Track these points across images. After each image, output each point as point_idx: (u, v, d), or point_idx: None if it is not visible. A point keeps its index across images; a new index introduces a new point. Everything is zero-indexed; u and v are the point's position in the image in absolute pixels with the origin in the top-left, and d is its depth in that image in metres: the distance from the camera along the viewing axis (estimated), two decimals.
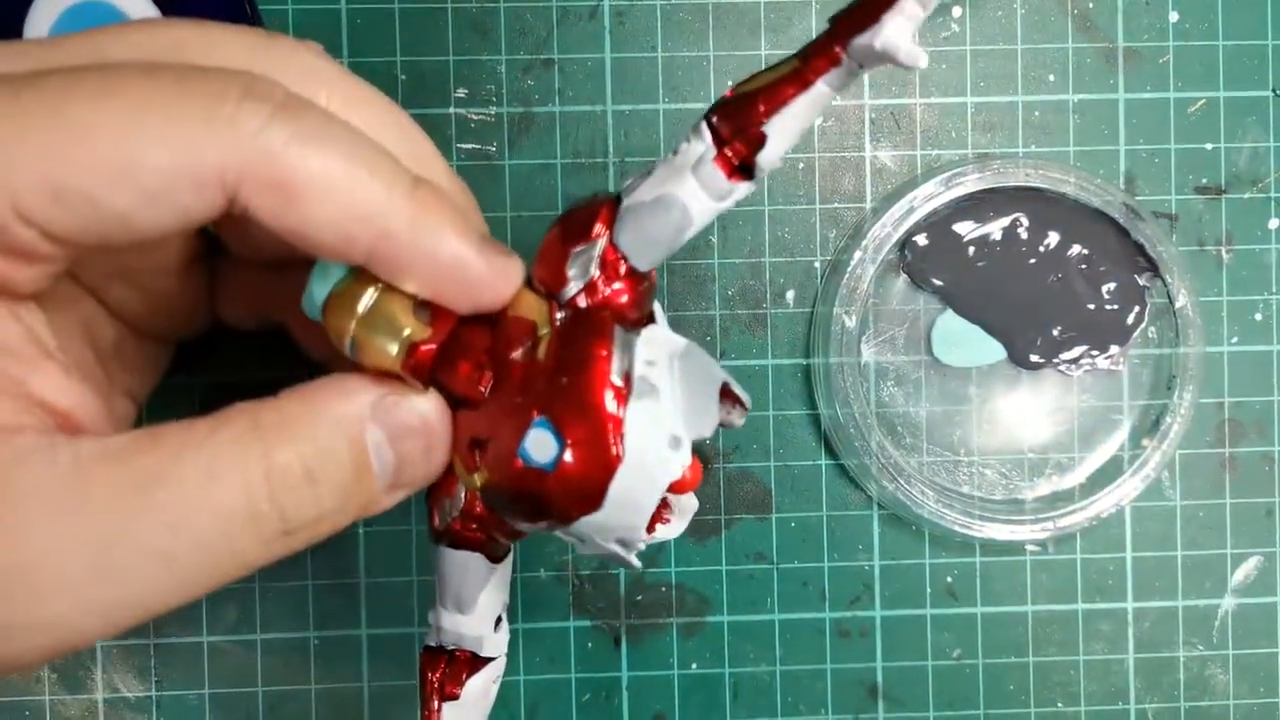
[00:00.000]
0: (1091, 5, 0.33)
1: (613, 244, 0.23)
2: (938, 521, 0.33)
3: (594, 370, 0.22)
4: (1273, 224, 0.34)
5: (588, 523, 0.22)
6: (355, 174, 0.20)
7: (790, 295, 0.33)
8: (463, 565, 0.25)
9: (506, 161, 0.33)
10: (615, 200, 0.23)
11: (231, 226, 0.26)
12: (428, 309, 0.22)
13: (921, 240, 0.33)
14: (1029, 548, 0.34)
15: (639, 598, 0.33)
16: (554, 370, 0.22)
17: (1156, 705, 0.34)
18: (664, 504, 0.24)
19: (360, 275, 0.22)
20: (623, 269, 0.23)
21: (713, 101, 0.23)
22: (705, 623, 0.34)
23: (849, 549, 0.34)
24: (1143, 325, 0.33)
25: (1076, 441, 0.34)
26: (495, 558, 0.25)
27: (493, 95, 0.33)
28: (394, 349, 0.22)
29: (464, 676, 0.25)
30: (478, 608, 0.25)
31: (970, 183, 0.32)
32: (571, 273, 0.23)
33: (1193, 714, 0.34)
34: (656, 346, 0.23)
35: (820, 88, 0.22)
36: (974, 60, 0.33)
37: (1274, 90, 0.34)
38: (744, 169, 0.23)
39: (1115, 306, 0.33)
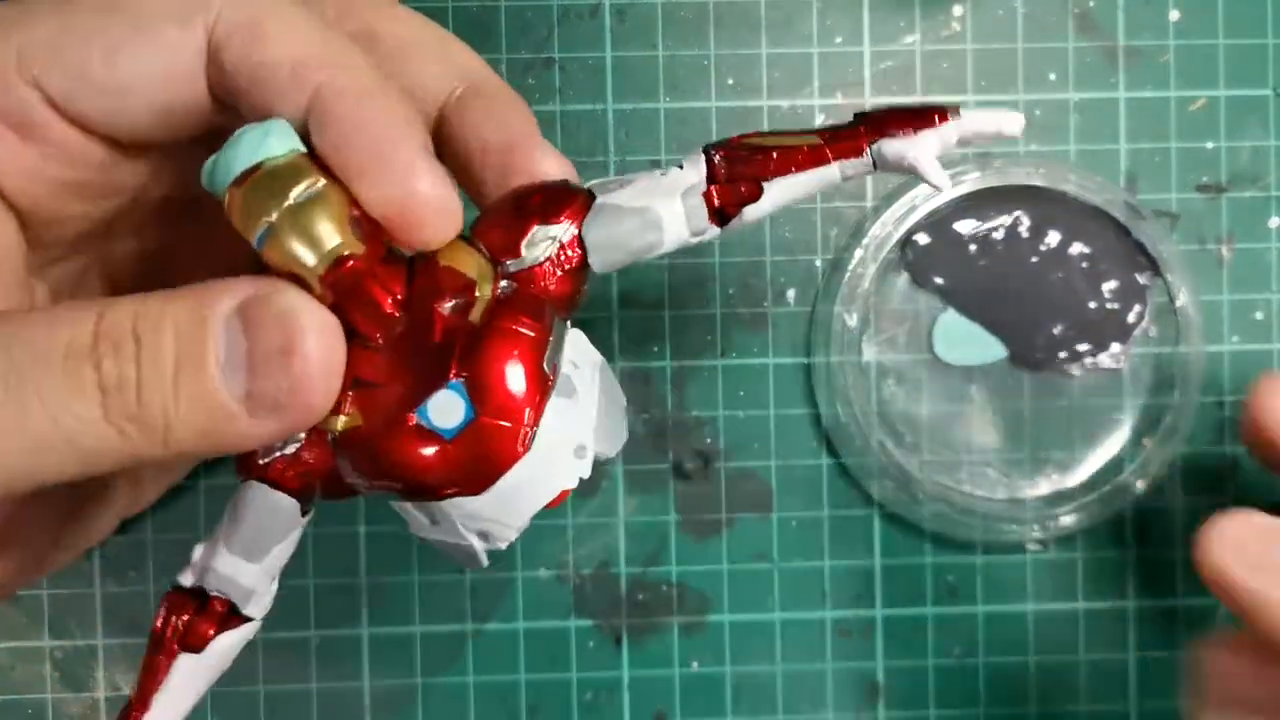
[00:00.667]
0: (1092, 4, 0.33)
1: (580, 235, 0.22)
2: (938, 520, 0.33)
3: (530, 348, 0.21)
4: (1273, 223, 0.34)
5: (459, 505, 0.21)
6: (320, 29, 0.21)
7: (791, 294, 0.33)
8: (273, 509, 0.22)
9: None
10: (590, 195, 0.23)
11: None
12: (360, 230, 0.20)
13: (922, 239, 0.33)
14: (1029, 547, 0.34)
15: (640, 597, 0.33)
16: (486, 338, 0.21)
17: (1157, 704, 0.34)
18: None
19: (304, 161, 0.20)
20: (574, 262, 0.22)
21: (715, 137, 0.23)
22: (706, 622, 0.34)
23: (850, 548, 0.34)
24: (1144, 324, 0.33)
25: (1077, 441, 0.34)
26: (305, 511, 0.22)
27: None
28: (323, 248, 0.20)
29: (213, 629, 0.22)
30: (268, 559, 0.22)
31: (971, 182, 0.32)
32: (527, 250, 0.22)
33: None
34: (580, 351, 0.23)
35: (832, 170, 0.22)
36: (975, 59, 0.33)
37: (1274, 89, 0.34)
38: (723, 214, 0.23)
39: (1116, 305, 0.33)
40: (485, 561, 0.22)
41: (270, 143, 0.20)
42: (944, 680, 0.34)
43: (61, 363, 0.19)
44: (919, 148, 0.22)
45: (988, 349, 0.33)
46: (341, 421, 0.21)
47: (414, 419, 0.20)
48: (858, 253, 0.32)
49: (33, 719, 0.33)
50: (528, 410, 0.20)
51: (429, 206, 0.20)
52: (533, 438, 0.20)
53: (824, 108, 0.33)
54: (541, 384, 0.21)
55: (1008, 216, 0.33)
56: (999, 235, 0.33)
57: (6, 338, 0.19)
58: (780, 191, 0.22)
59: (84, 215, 0.24)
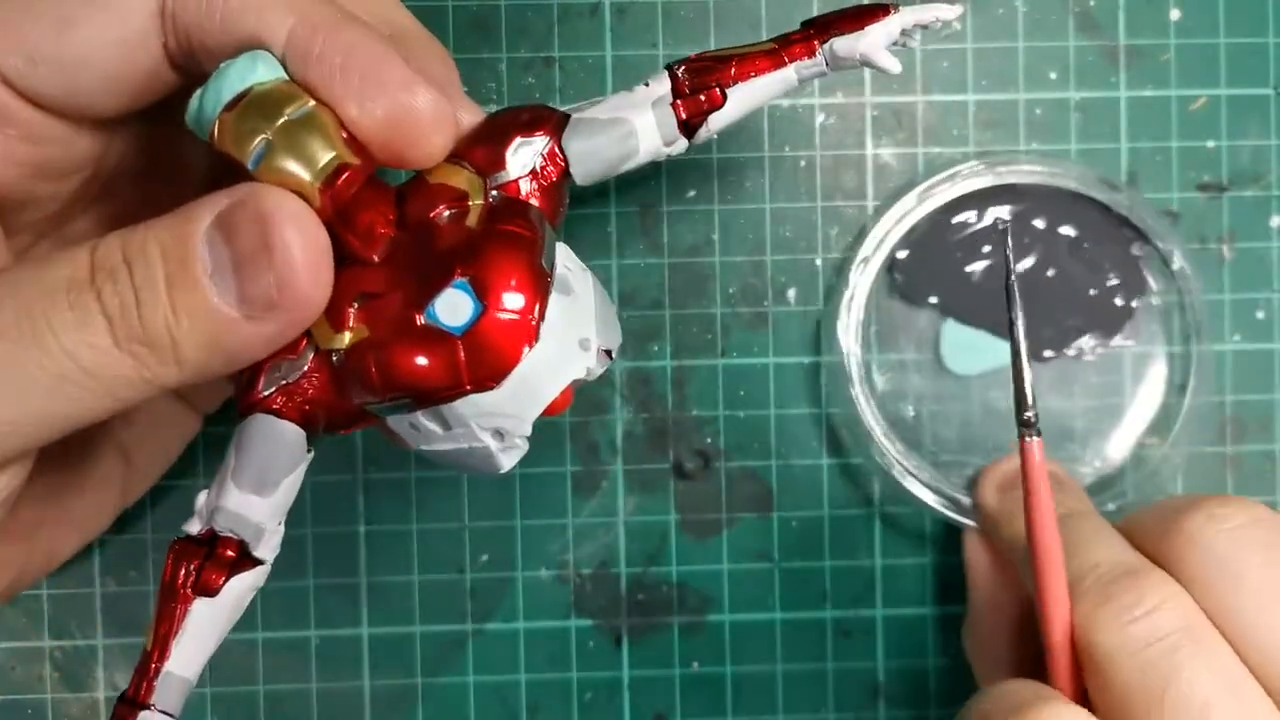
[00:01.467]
0: (1093, 3, 0.33)
1: (559, 146, 0.23)
2: (940, 520, 0.33)
3: (528, 247, 0.21)
4: (1274, 222, 0.34)
5: (475, 402, 0.21)
6: None
7: (792, 293, 0.33)
8: (279, 439, 0.22)
9: None
10: (564, 115, 0.24)
11: None
12: (353, 146, 0.21)
13: (905, 258, 0.33)
14: None
15: (640, 597, 0.33)
16: (485, 239, 0.21)
17: None
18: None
19: (291, 85, 0.21)
20: (556, 175, 0.23)
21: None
22: (706, 622, 0.33)
23: (851, 548, 0.34)
24: (1147, 292, 0.33)
25: (1078, 440, 0.34)
26: (309, 446, 0.23)
27: (494, 93, 0.33)
28: (318, 161, 0.20)
29: (225, 573, 0.22)
30: (277, 493, 0.22)
31: (942, 193, 0.32)
32: (511, 160, 0.23)
33: None
34: (570, 258, 0.23)
35: (789, 72, 0.24)
36: (975, 58, 0.33)
37: (1275, 88, 0.34)
38: (689, 126, 0.24)
39: (1115, 282, 0.33)
40: (503, 464, 0.22)
41: (259, 68, 0.20)
42: (945, 681, 0.34)
43: (66, 296, 0.19)
44: (866, 40, 0.24)
45: (996, 352, 0.33)
46: (347, 338, 0.21)
47: (422, 319, 0.20)
48: (860, 252, 0.32)
49: (33, 719, 0.33)
50: (535, 303, 0.21)
51: (428, 119, 0.21)
52: (539, 328, 0.21)
53: (824, 107, 0.33)
54: (542, 279, 0.21)
55: (987, 219, 0.33)
56: (983, 240, 0.33)
57: (11, 284, 0.20)
58: (742, 97, 0.24)
59: (52, 195, 0.24)
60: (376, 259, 0.21)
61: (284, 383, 0.22)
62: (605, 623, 0.33)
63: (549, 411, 0.22)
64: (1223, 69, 0.34)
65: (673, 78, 0.24)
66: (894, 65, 0.24)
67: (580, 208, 0.33)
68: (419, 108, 0.21)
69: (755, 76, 0.24)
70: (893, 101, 0.33)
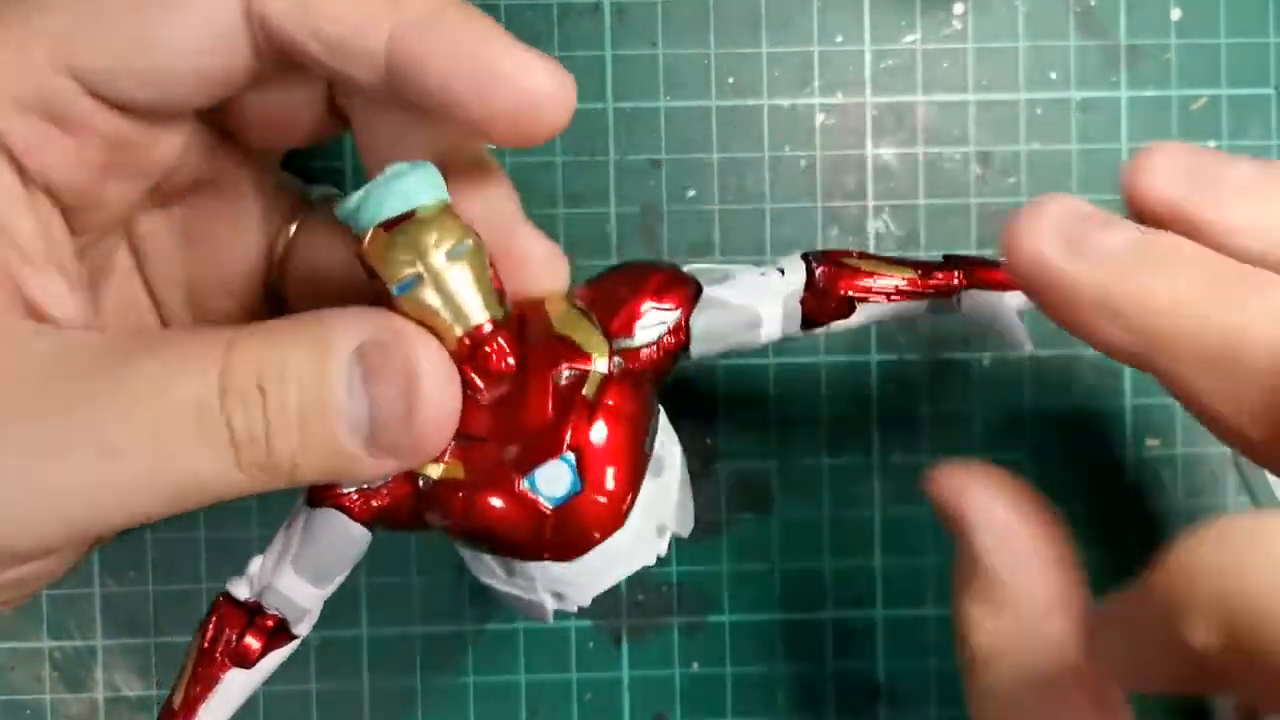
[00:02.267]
0: (1094, 3, 0.33)
1: (686, 322, 0.23)
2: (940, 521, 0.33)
3: (637, 431, 0.21)
4: None
5: (546, 567, 0.21)
6: None
7: None
8: (345, 537, 0.22)
9: (508, 159, 0.32)
10: (697, 285, 0.23)
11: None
12: (498, 295, 0.21)
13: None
14: None
15: (639, 597, 0.33)
16: (600, 415, 0.21)
17: (1158, 702, 0.34)
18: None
19: (452, 214, 0.20)
20: (676, 346, 0.23)
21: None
22: (706, 622, 0.33)
23: (851, 548, 0.34)
24: None
25: (1079, 439, 0.34)
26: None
27: None
28: (468, 318, 0.20)
29: (262, 646, 0.23)
30: (331, 586, 0.23)
31: None
32: (640, 328, 0.22)
33: (1195, 712, 0.34)
34: (667, 430, 0.23)
35: (920, 301, 0.24)
36: (976, 58, 0.33)
37: (1276, 88, 0.34)
38: (811, 321, 0.24)
39: None
40: (551, 620, 0.22)
41: (424, 191, 0.20)
42: (945, 682, 0.34)
43: (195, 421, 0.19)
44: (1005, 304, 0.23)
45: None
46: (440, 470, 0.21)
47: (521, 483, 0.21)
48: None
49: (31, 719, 0.33)
50: (630, 492, 0.21)
51: (554, 99, 0.21)
52: (629, 514, 0.21)
53: (824, 106, 0.33)
54: (643, 464, 0.21)
55: None
56: None
57: (137, 390, 0.19)
58: (868, 313, 0.24)
59: (120, 197, 0.23)
60: (487, 397, 0.21)
61: (365, 487, 0.22)
62: (605, 623, 0.33)
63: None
64: (1224, 69, 0.34)
65: (809, 271, 0.23)
66: (1026, 343, 0.24)
67: (581, 207, 0.33)
68: (541, 89, 0.20)
69: (888, 300, 0.24)
70: (893, 101, 0.33)
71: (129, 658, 0.33)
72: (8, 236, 0.21)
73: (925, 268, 0.24)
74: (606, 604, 0.33)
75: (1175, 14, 0.33)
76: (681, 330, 0.23)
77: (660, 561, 0.33)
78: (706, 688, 0.33)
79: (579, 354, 0.22)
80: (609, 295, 0.23)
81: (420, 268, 0.20)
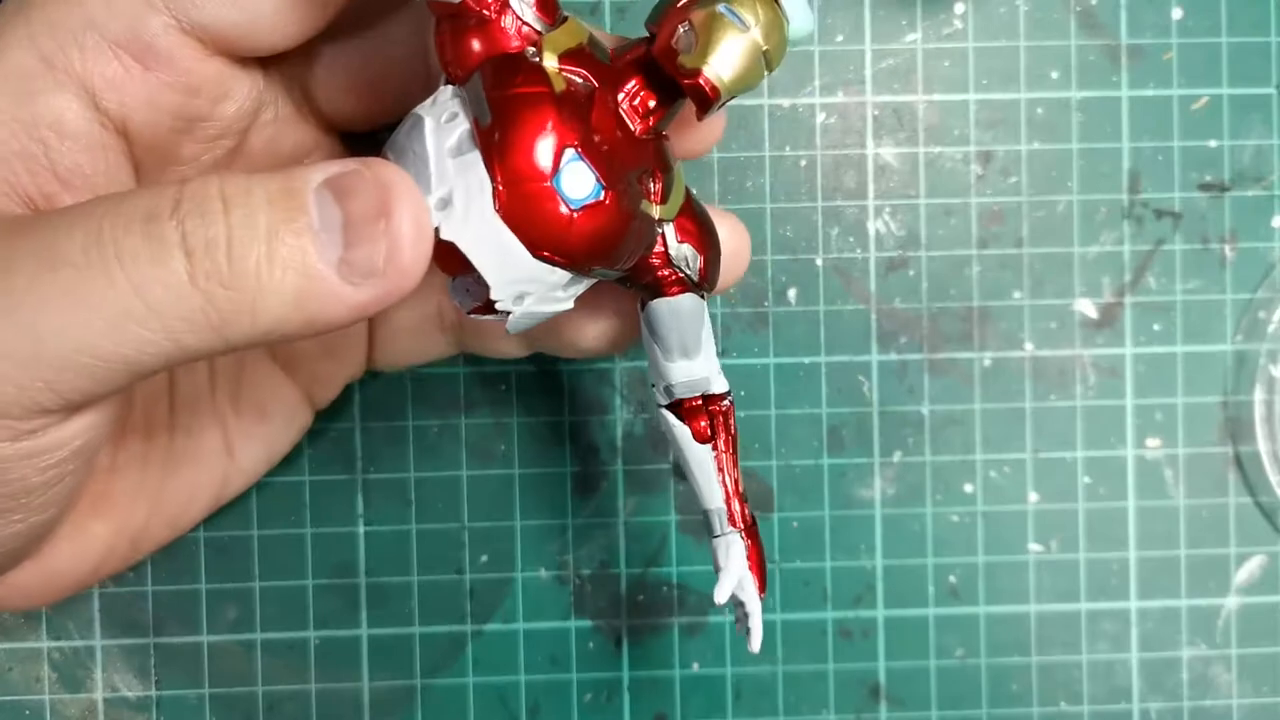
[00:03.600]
0: (1094, 2, 0.33)
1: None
2: (940, 521, 0.32)
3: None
4: (1276, 221, 0.34)
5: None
6: None
7: (792, 293, 0.33)
8: (676, 308, 0.24)
9: None
10: None
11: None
12: None
13: None
14: (1032, 547, 0.34)
15: (640, 597, 0.33)
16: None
17: (1160, 705, 0.34)
18: None
19: None
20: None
21: None
22: (707, 622, 0.33)
23: (851, 548, 0.33)
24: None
25: (1080, 439, 0.34)
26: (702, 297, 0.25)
27: None
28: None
29: (705, 420, 0.25)
30: (703, 345, 0.24)
31: None
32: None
33: (1196, 713, 0.34)
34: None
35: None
36: (977, 57, 0.33)
37: (1277, 87, 0.34)
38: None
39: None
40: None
41: None
42: (946, 681, 0.34)
43: (142, 225, 0.18)
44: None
45: None
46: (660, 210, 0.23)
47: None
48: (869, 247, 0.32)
49: None
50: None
51: None
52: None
53: (825, 106, 0.33)
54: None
55: None
56: None
57: (85, 211, 0.19)
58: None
59: (192, 158, 0.23)
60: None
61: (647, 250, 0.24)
62: (605, 623, 0.33)
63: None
64: (1224, 68, 0.33)
65: None
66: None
67: None
68: None
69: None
70: (893, 101, 0.33)
71: (128, 658, 0.33)
72: (53, 158, 0.21)
73: None
74: (606, 604, 0.33)
75: (1176, 13, 0.33)
76: None
77: (660, 562, 0.33)
78: (706, 688, 0.33)
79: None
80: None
81: None
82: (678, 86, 0.22)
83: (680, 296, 0.24)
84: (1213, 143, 0.34)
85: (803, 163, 0.33)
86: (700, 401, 0.25)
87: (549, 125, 0.21)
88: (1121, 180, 0.33)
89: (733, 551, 0.26)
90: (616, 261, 0.22)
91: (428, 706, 0.33)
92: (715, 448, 0.26)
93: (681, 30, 0.21)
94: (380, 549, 0.33)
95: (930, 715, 0.34)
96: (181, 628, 0.33)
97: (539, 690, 0.33)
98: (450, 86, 0.21)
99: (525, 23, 0.21)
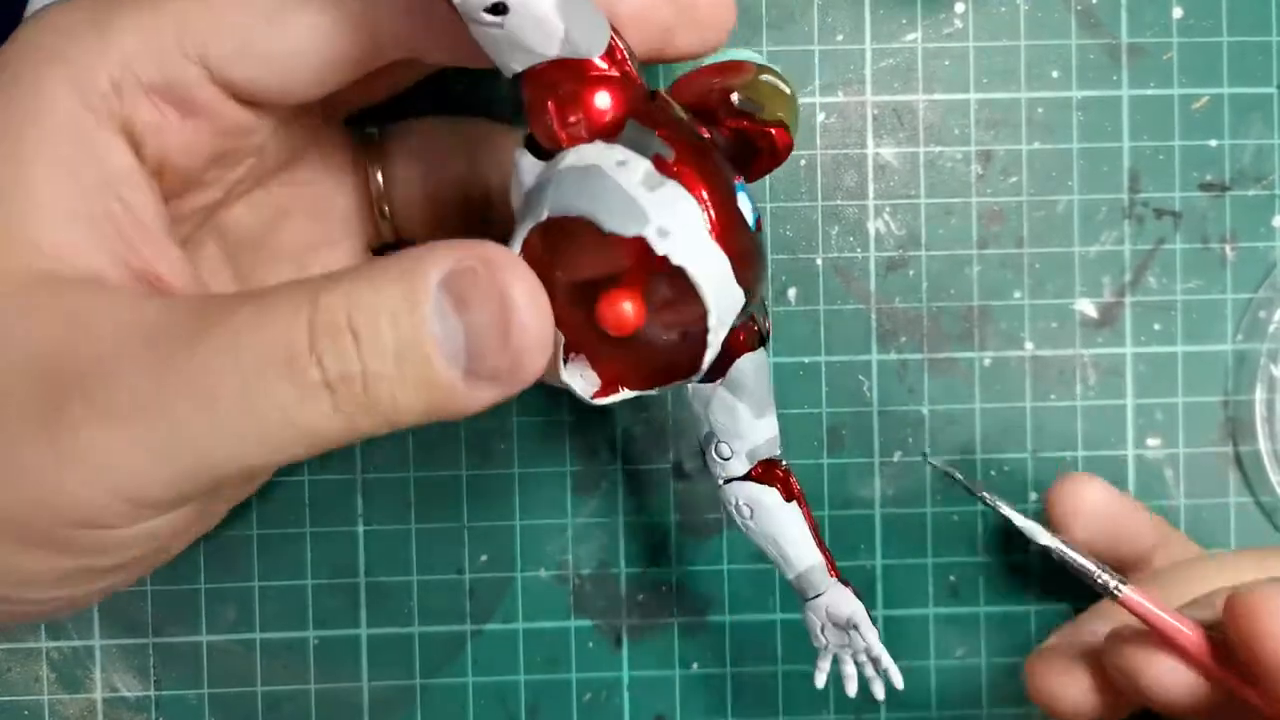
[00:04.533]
0: (1095, 1, 0.33)
1: None
2: (941, 521, 0.32)
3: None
4: (1277, 221, 0.34)
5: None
6: None
7: (792, 293, 0.33)
8: (760, 361, 0.24)
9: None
10: None
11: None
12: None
13: None
14: (1032, 547, 0.34)
15: (639, 597, 0.33)
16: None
17: None
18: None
19: None
20: None
21: None
22: (706, 622, 0.33)
23: (851, 548, 0.33)
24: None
25: (1080, 439, 0.34)
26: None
27: (497, 94, 0.32)
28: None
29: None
30: (770, 405, 0.25)
31: None
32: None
33: None
34: None
35: None
36: (977, 56, 0.33)
37: (1278, 86, 0.34)
38: None
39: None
40: None
41: None
42: (946, 681, 0.34)
43: (287, 367, 0.19)
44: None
45: None
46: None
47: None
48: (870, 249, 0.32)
49: None
50: None
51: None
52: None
53: (825, 105, 0.33)
54: None
55: None
56: None
57: (229, 341, 0.19)
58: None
59: (217, 181, 0.24)
60: None
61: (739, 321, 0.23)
62: (605, 623, 0.33)
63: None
64: (1225, 67, 0.33)
65: None
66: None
67: None
68: None
69: None
70: (894, 100, 0.33)
71: (127, 658, 0.33)
72: (130, 211, 0.21)
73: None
74: (606, 604, 0.33)
75: (1177, 12, 0.33)
76: None
77: (660, 562, 0.33)
78: (706, 688, 0.33)
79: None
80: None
81: None
82: (746, 141, 0.22)
83: (759, 349, 0.24)
84: (1213, 142, 0.33)
85: (802, 162, 0.33)
86: (766, 462, 0.25)
87: (718, 159, 0.21)
88: (1122, 180, 0.33)
89: (851, 601, 0.26)
90: (759, 294, 0.23)
91: (427, 706, 0.33)
92: (802, 504, 0.26)
93: (735, 98, 0.22)
94: (380, 549, 0.33)
95: (930, 715, 0.34)
96: (181, 628, 0.33)
97: (538, 690, 0.33)
98: (591, 145, 0.21)
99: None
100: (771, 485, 0.25)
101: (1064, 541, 0.24)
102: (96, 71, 0.20)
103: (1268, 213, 0.34)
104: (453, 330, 0.19)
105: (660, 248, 0.20)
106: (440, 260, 0.19)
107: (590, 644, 0.33)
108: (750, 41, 0.33)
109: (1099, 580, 0.23)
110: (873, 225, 0.33)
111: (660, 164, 0.21)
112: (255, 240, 0.26)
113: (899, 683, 0.26)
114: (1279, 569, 0.24)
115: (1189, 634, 0.23)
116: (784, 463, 0.25)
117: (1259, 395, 0.33)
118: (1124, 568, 0.31)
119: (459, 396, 0.20)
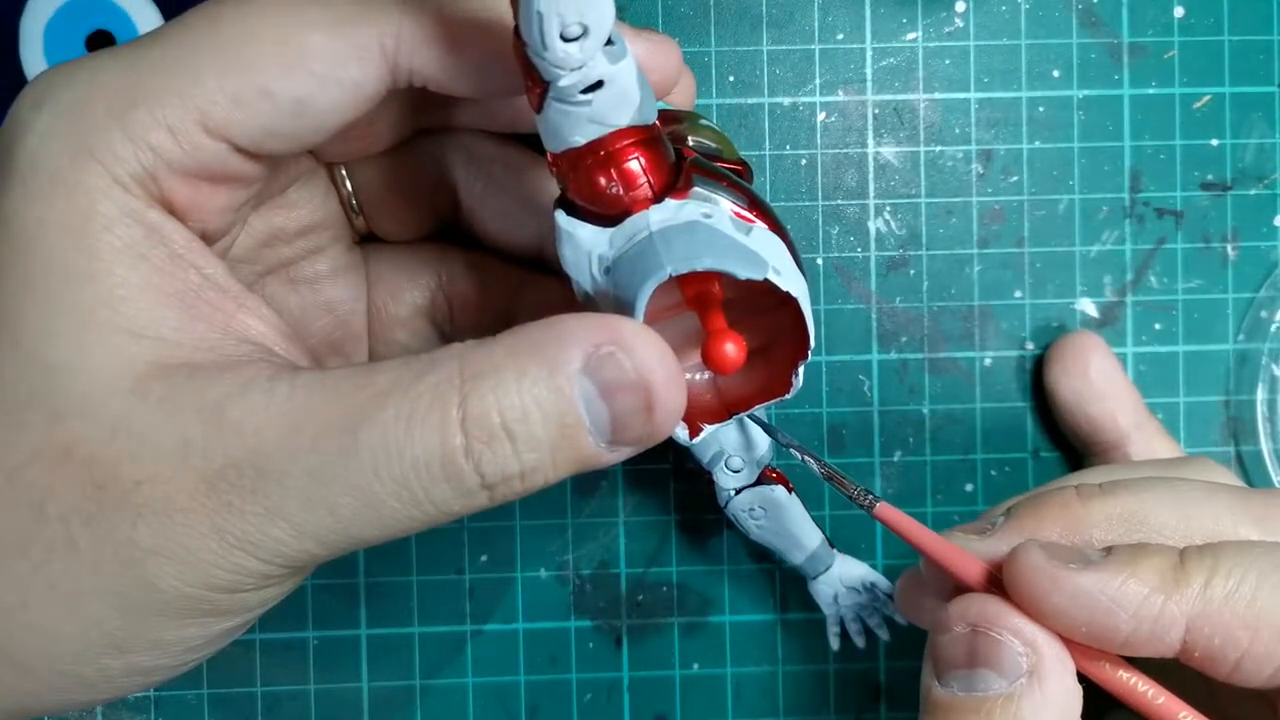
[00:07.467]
0: (1096, 0, 0.33)
1: None
2: (940, 520, 0.32)
3: None
4: (1278, 220, 0.34)
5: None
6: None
7: None
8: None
9: None
10: None
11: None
12: None
13: None
14: None
15: (640, 598, 0.33)
16: None
17: None
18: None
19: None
20: None
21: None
22: (707, 623, 0.33)
23: (851, 548, 0.33)
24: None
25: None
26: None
27: None
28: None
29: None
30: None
31: None
32: None
33: None
34: None
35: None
36: (978, 55, 0.33)
37: (1279, 86, 0.34)
38: None
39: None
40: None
41: None
42: None
43: (443, 470, 0.20)
44: None
45: None
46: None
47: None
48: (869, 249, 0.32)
49: None
50: None
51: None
52: None
53: (825, 105, 0.33)
54: None
55: None
56: None
57: (381, 439, 0.20)
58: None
59: (238, 220, 0.25)
60: None
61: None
62: (605, 623, 0.33)
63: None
64: (1226, 67, 0.33)
65: None
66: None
67: None
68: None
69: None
70: (894, 99, 0.33)
71: None
72: (208, 280, 0.22)
73: None
74: (606, 604, 0.33)
75: (1178, 11, 0.33)
76: None
77: (660, 562, 0.33)
78: (706, 688, 0.33)
79: None
80: None
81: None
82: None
83: None
84: (1214, 141, 0.33)
85: (803, 162, 0.33)
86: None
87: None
88: (1123, 179, 0.33)
89: (859, 564, 0.30)
90: None
91: (427, 707, 0.33)
92: (791, 490, 0.29)
93: (691, 142, 0.24)
94: (380, 549, 0.33)
95: None
96: None
97: (539, 690, 0.33)
98: (668, 202, 0.22)
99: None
100: (777, 483, 0.28)
101: (830, 466, 0.25)
102: (129, 163, 0.21)
103: (1269, 212, 0.34)
104: (599, 413, 0.20)
105: (782, 285, 0.22)
106: (579, 343, 0.20)
107: (590, 644, 0.33)
108: (750, 40, 0.33)
109: (856, 495, 0.24)
110: (873, 225, 0.33)
111: (737, 211, 0.22)
112: (251, 256, 0.26)
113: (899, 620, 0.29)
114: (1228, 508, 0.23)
115: (940, 544, 0.23)
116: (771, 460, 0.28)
117: (1260, 395, 0.33)
118: (1101, 439, 0.32)
119: (602, 461, 0.21)
